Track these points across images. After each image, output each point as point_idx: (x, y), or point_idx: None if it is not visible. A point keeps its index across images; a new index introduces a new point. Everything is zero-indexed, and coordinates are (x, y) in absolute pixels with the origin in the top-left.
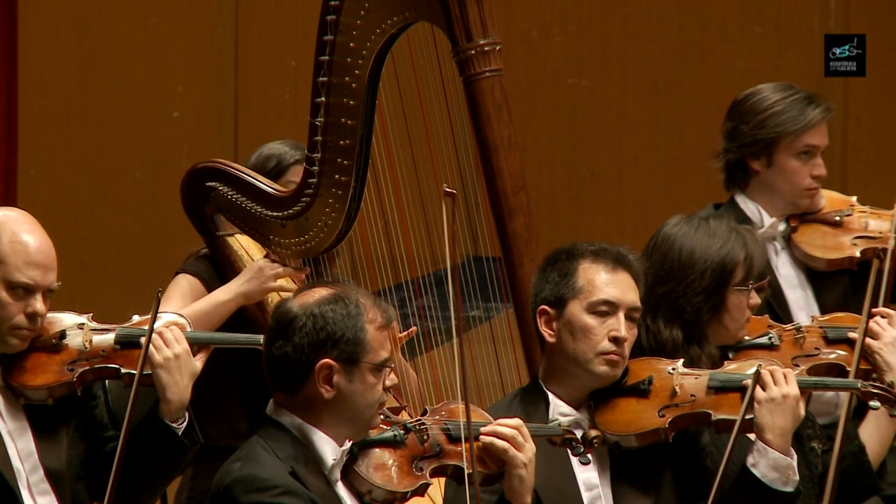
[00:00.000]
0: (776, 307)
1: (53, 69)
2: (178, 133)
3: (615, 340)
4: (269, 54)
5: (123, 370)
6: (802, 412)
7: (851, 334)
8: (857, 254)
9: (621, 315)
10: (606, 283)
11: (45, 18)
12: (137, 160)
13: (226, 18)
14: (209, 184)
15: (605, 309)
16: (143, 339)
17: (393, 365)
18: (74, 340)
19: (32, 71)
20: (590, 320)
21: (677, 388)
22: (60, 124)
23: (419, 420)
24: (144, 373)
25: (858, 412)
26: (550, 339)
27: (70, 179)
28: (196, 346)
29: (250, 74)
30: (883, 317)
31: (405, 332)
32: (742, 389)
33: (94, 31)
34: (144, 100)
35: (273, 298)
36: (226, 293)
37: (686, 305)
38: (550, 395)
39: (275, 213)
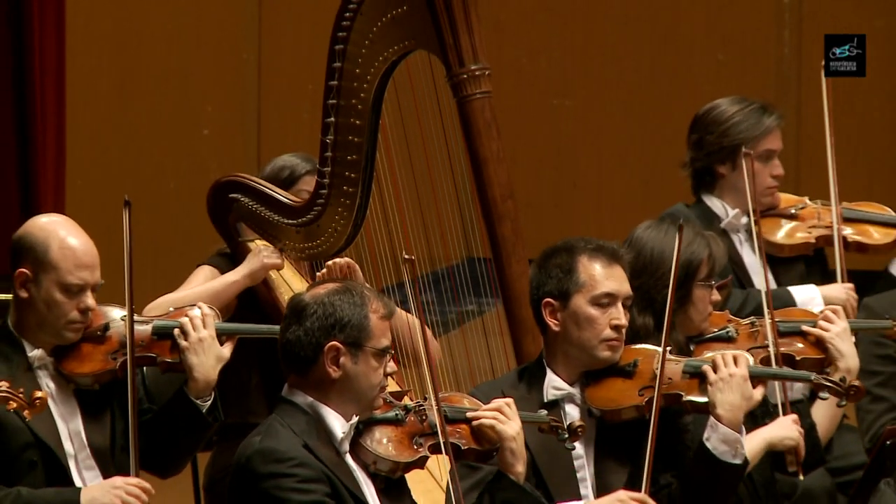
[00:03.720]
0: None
1: (97, 93)
2: (208, 148)
3: (616, 328)
4: (288, 78)
5: (159, 358)
6: (756, 394)
7: (804, 327)
8: (813, 240)
9: (620, 305)
10: (606, 276)
11: (90, 48)
12: (171, 172)
13: (250, 46)
14: (232, 195)
15: (607, 301)
16: (175, 330)
17: (393, 352)
18: (117, 332)
19: (79, 94)
20: (593, 311)
21: (657, 372)
22: (104, 141)
23: (419, 403)
24: (175, 360)
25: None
26: (556, 329)
27: (112, 189)
28: (224, 335)
29: (271, 96)
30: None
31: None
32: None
33: (134, 59)
34: (178, 119)
35: (275, 279)
36: (234, 274)
37: (657, 296)
38: (549, 372)
39: (290, 221)
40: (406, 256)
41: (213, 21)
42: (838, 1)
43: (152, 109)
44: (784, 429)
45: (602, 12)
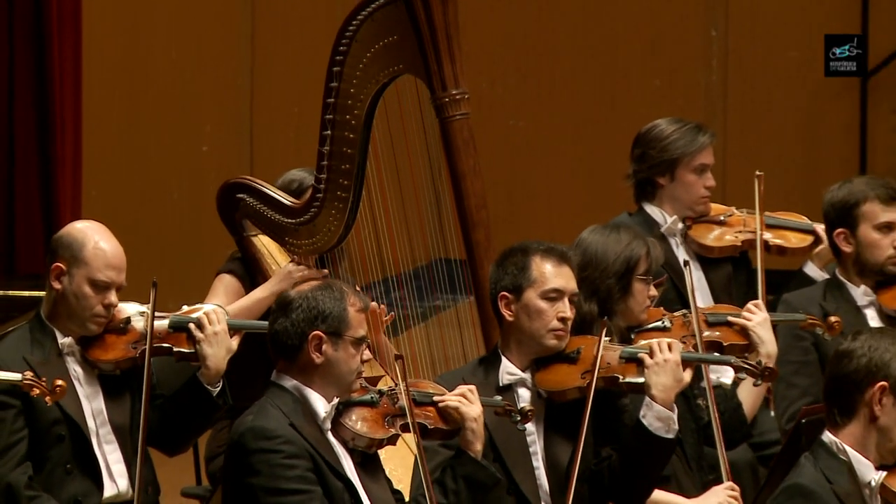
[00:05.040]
0: (680, 287)
1: (110, 114)
2: (207, 163)
3: (562, 320)
4: (278, 102)
5: (175, 349)
6: (686, 376)
7: (730, 318)
8: (739, 243)
9: (566, 300)
10: (555, 274)
11: (104, 75)
12: (175, 184)
13: (244, 74)
14: (238, 195)
15: (555, 295)
16: (191, 324)
17: (369, 341)
18: (137, 325)
19: (94, 116)
20: (542, 304)
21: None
22: (115, 156)
23: (391, 388)
24: (188, 350)
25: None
26: (510, 319)
27: (122, 199)
28: (232, 330)
29: (262, 118)
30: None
31: (387, 317)
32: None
33: (142, 85)
34: (180, 137)
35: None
36: (262, 292)
37: (601, 286)
38: (503, 360)
39: (289, 220)
40: (396, 354)
41: (212, 52)
42: (757, 35)
43: (158, 129)
44: (713, 497)
45: (552, 45)
